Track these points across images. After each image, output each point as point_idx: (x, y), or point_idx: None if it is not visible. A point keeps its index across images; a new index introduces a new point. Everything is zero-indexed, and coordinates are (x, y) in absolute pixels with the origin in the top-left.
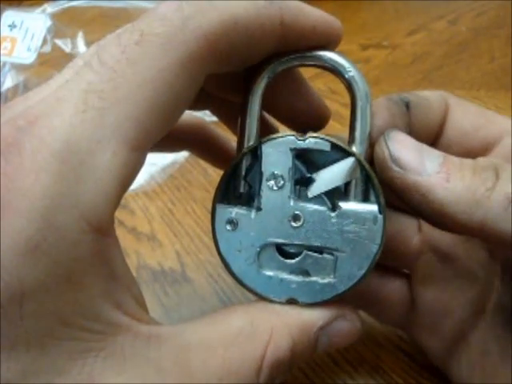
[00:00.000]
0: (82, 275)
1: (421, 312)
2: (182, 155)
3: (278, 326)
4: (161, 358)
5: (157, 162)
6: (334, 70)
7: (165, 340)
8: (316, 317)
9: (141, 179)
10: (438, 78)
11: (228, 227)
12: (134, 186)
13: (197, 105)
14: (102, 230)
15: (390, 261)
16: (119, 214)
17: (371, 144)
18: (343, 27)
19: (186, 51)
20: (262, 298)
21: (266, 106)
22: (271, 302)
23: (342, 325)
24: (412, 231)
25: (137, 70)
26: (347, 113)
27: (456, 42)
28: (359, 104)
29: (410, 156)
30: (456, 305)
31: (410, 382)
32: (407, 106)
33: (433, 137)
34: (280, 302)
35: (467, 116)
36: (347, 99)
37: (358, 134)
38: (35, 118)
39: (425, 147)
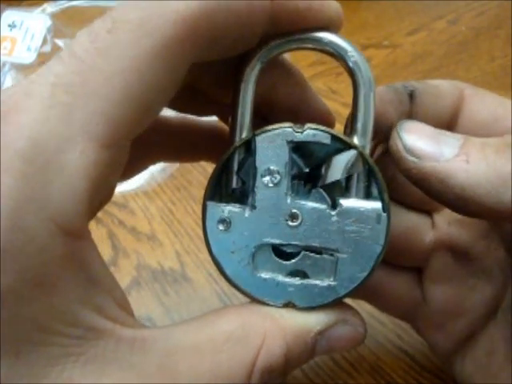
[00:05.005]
0: (56, 280)
1: (431, 309)
2: None
3: (272, 330)
4: (144, 363)
5: None
6: (335, 54)
7: (150, 344)
8: (314, 321)
9: (141, 179)
10: (438, 78)
11: (220, 227)
12: (134, 185)
13: (202, 110)
14: (74, 233)
15: (401, 260)
16: (119, 214)
17: (377, 136)
18: (343, 27)
19: (162, 37)
20: (257, 301)
21: (264, 110)
22: (267, 305)
23: (342, 330)
24: (424, 229)
25: (107, 61)
26: (347, 113)
27: (456, 41)
28: (362, 91)
29: (425, 143)
30: (469, 305)
31: (410, 382)
32: (411, 94)
33: (444, 126)
34: (276, 306)
35: (485, 106)
36: (347, 99)
37: (360, 124)
38: (3, 114)
39: (443, 132)
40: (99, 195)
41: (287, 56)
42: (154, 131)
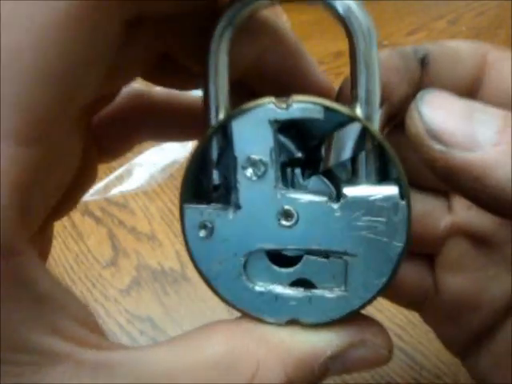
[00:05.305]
0: None
1: (443, 300)
2: (183, 155)
3: (268, 358)
4: None
5: (157, 162)
6: (321, 1)
7: (117, 369)
8: (323, 344)
9: (141, 179)
10: None
11: (201, 233)
12: (134, 185)
13: (184, 84)
14: (6, 250)
15: (411, 246)
16: (119, 214)
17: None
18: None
19: None
20: (255, 319)
21: (252, 84)
22: (267, 323)
23: (360, 353)
24: (440, 214)
25: (11, 35)
26: None
27: None
28: (361, 47)
29: (455, 125)
30: (488, 297)
31: (410, 382)
32: (423, 59)
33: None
34: (278, 324)
35: None
36: None
37: (362, 90)
38: None
39: (476, 107)
40: (38, 200)
41: (282, 18)
42: (135, 108)
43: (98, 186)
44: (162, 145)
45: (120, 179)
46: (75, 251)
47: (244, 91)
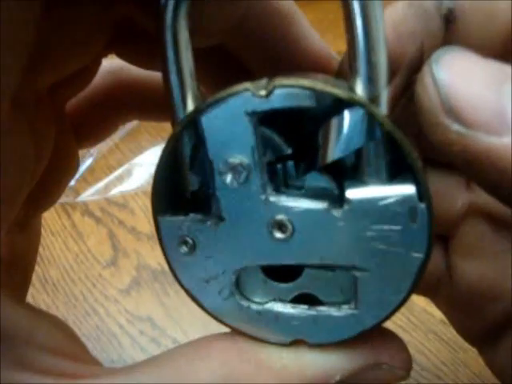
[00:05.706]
0: None
1: (459, 288)
2: None
3: None
4: None
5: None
6: None
7: None
8: (331, 368)
9: (141, 179)
10: None
11: (182, 250)
12: (134, 185)
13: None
14: None
15: None
16: (119, 214)
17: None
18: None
19: None
20: (255, 339)
21: (235, 49)
22: (268, 343)
23: (374, 375)
24: (457, 192)
25: None
26: None
27: None
28: (356, 5)
29: (479, 99)
30: (508, 286)
31: (410, 382)
32: (448, 16)
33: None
34: (281, 344)
35: None
36: None
37: (362, 62)
38: None
39: (504, 72)
40: None
41: None
42: (113, 85)
43: (98, 185)
44: (162, 144)
45: (120, 179)
46: (75, 251)
47: (229, 59)
